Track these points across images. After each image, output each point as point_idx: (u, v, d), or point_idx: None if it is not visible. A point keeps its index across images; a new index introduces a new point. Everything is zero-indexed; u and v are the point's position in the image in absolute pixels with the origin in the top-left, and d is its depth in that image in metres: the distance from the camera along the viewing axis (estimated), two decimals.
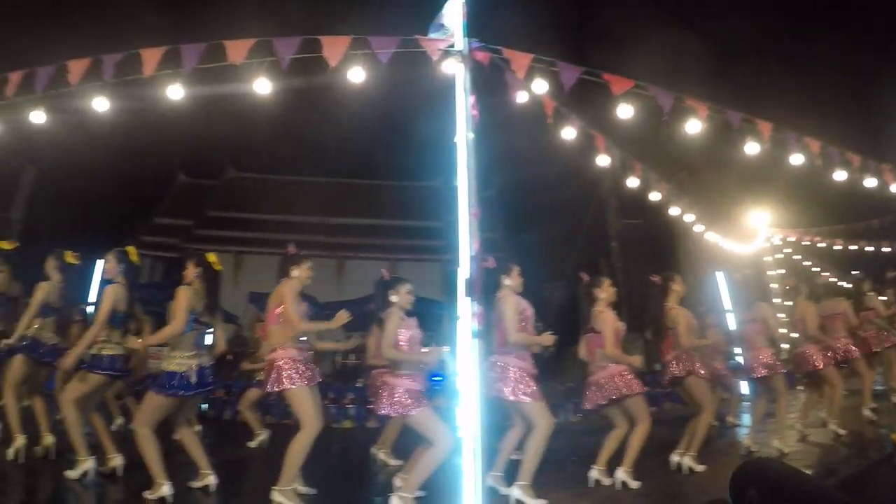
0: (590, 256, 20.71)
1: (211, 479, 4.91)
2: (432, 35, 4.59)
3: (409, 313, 4.89)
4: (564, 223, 23.97)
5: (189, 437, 4.99)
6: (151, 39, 5.79)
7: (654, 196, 8.07)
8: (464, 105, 4.36)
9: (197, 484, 4.89)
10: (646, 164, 7.62)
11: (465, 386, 3.88)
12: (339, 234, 23.31)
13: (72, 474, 5.01)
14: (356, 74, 5.19)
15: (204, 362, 4.83)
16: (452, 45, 4.43)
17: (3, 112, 6.56)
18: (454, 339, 4.04)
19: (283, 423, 8.45)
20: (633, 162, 7.36)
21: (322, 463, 4.85)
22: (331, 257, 22.21)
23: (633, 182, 7.53)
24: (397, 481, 4.83)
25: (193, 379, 4.69)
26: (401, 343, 4.71)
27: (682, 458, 5.83)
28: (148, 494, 4.56)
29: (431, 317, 5.24)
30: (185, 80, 5.74)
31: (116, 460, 5.23)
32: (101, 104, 5.94)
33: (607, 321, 5.51)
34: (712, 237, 10.95)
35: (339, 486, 5.07)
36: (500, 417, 5.32)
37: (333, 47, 4.93)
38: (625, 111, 5.12)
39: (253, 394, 7.71)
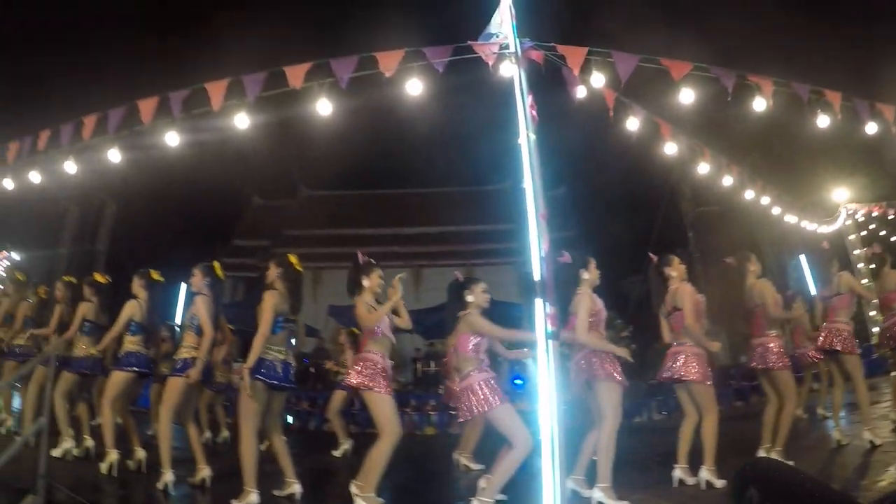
0: (666, 248, 20.22)
1: (296, 488, 5.02)
2: (485, 40, 4.60)
3: (486, 315, 4.86)
4: (638, 216, 23.54)
5: (279, 443, 5.12)
6: (215, 74, 6.03)
7: (727, 181, 7.82)
8: (523, 106, 4.36)
9: (283, 492, 5.00)
10: (715, 148, 7.40)
11: (542, 387, 3.86)
12: (413, 243, 23.57)
13: (160, 485, 5.21)
14: (414, 87, 5.24)
15: (290, 361, 5.02)
16: (506, 47, 4.42)
17: (83, 153, 6.97)
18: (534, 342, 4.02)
19: (366, 433, 8.55)
20: (702, 147, 7.16)
21: (404, 469, 4.89)
22: (407, 267, 22.43)
23: (703, 168, 7.32)
24: (482, 482, 4.83)
25: (280, 371, 4.89)
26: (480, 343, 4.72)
27: (769, 455, 5.50)
28: (236, 502, 4.68)
29: (509, 320, 5.20)
30: (252, 108, 5.95)
31: (205, 472, 5.41)
32: (172, 139, 6.22)
33: (685, 294, 5.31)
34: (791, 219, 10.50)
35: (421, 493, 5.11)
36: (580, 419, 5.25)
37: (389, 61, 5.01)
38: (687, 96, 4.98)
39: (338, 399, 7.92)
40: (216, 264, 5.73)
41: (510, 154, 4.36)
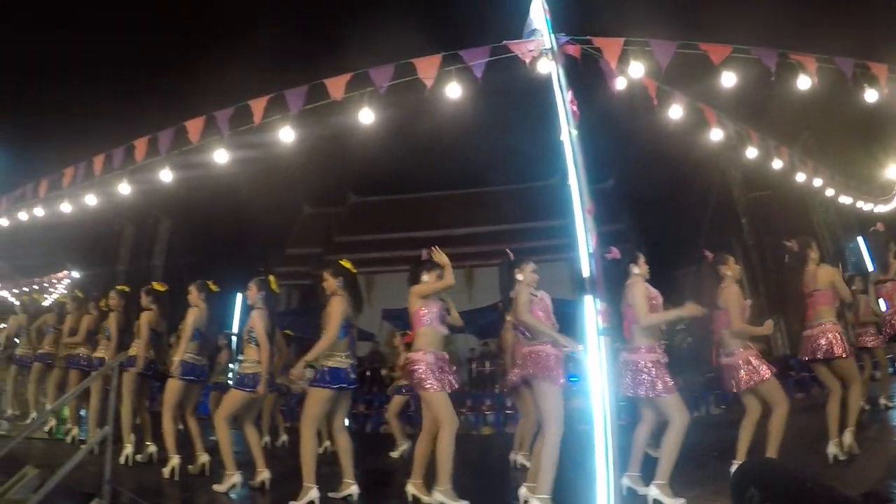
0: (720, 237, 19.80)
1: (353, 489, 5.08)
2: (523, 39, 4.61)
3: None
4: (689, 205, 23.07)
5: (344, 443, 5.20)
6: (257, 90, 6.18)
7: (777, 164, 7.62)
8: (563, 102, 4.35)
9: (339, 494, 5.06)
10: (762, 131, 7.23)
11: (594, 384, 3.84)
12: (464, 244, 23.55)
13: (219, 488, 5.37)
14: (453, 90, 5.28)
15: (353, 362, 5.20)
16: (541, 44, 4.42)
17: (136, 173, 7.23)
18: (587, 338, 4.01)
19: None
20: (749, 131, 7.01)
21: (461, 470, 4.88)
22: (459, 267, 22.34)
23: (752, 152, 7.16)
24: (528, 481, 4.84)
25: (344, 375, 5.04)
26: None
27: (838, 447, 5.30)
28: (295, 502, 4.78)
29: (563, 317, 5.19)
30: (296, 121, 6.07)
31: (265, 474, 5.53)
32: (220, 155, 6.40)
33: (731, 296, 5.21)
34: (846, 199, 10.12)
35: (479, 493, 5.10)
36: (629, 414, 5.19)
37: (427, 68, 5.07)
38: (728, 79, 4.89)
39: (397, 402, 8.05)
40: (271, 278, 5.85)
41: (556, 149, 4.37)
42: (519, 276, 4.93)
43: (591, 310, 3.93)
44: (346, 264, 5.35)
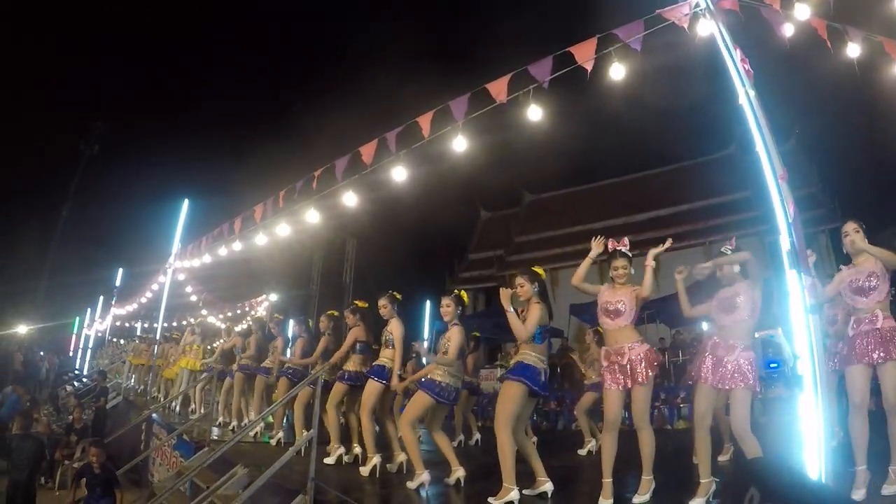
0: None
1: (548, 486, 5.03)
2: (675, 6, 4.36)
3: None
4: (886, 156, 20.44)
5: (527, 445, 5.19)
6: (420, 106, 6.36)
7: None
8: (733, 62, 4.05)
9: (534, 491, 5.02)
10: None
11: (805, 368, 3.52)
12: (646, 229, 22.71)
13: (411, 485, 5.53)
14: (616, 72, 5.11)
15: (547, 370, 5.13)
16: (697, 6, 4.15)
17: (320, 201, 7.74)
18: (787, 319, 3.69)
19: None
20: None
21: (656, 466, 4.66)
22: (642, 254, 21.54)
23: None
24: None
25: (542, 379, 5.00)
26: None
27: None
28: (494, 501, 4.77)
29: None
30: (464, 130, 6.18)
31: (460, 472, 5.61)
32: (398, 173, 6.68)
33: None
34: None
35: (674, 490, 4.83)
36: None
37: (584, 53, 4.95)
38: None
39: (587, 399, 7.90)
40: (463, 294, 6.10)
41: (728, 117, 4.08)
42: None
43: (796, 285, 3.60)
44: (539, 270, 5.33)
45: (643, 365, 4.66)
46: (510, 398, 4.96)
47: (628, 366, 4.69)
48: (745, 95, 3.94)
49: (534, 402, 5.38)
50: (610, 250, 5.08)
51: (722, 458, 6.02)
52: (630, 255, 5.08)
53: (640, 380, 4.62)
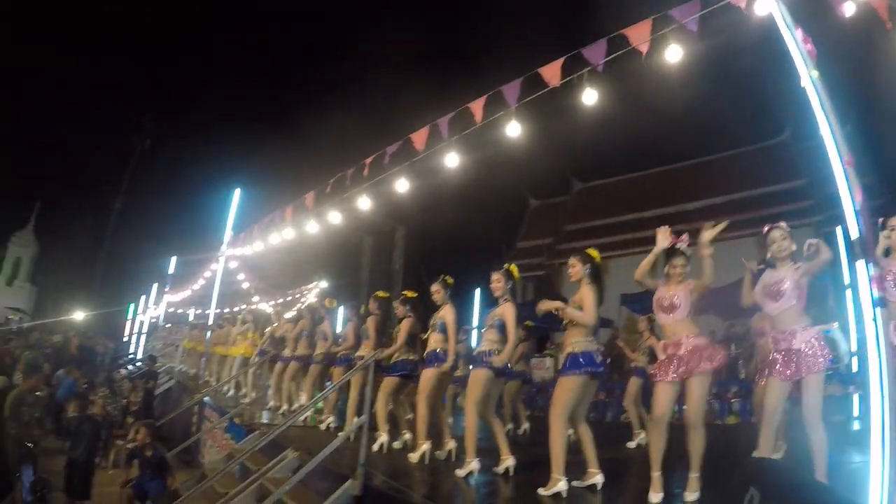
0: None
1: (598, 478, 4.95)
2: None
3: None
4: None
5: (585, 433, 5.10)
6: (474, 92, 6.30)
7: None
8: (794, 42, 3.88)
9: (583, 483, 4.95)
10: None
11: (870, 365, 3.36)
12: (698, 218, 22.14)
13: (460, 472, 5.49)
14: (673, 54, 4.97)
15: (601, 348, 5.12)
16: None
17: (371, 188, 7.75)
18: (843, 313, 3.54)
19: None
20: None
21: (706, 462, 4.52)
22: (694, 244, 21.01)
23: None
24: None
25: (598, 358, 4.95)
26: None
27: None
28: (543, 490, 4.75)
29: (812, 289, 4.64)
30: (515, 115, 6.11)
31: (509, 461, 5.58)
32: (451, 160, 6.64)
33: None
34: None
35: (724, 487, 4.69)
36: None
37: (638, 34, 4.82)
38: None
39: (633, 386, 7.79)
40: (513, 267, 5.97)
41: (782, 103, 3.92)
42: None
43: (864, 276, 3.45)
44: (593, 253, 5.24)
45: (701, 356, 4.51)
46: (568, 389, 4.91)
47: (686, 356, 4.55)
48: (808, 77, 3.78)
49: (595, 386, 5.28)
50: (669, 246, 4.91)
51: (776, 456, 5.85)
52: (688, 253, 4.93)
53: (697, 370, 4.48)
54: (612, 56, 5.16)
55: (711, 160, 25.09)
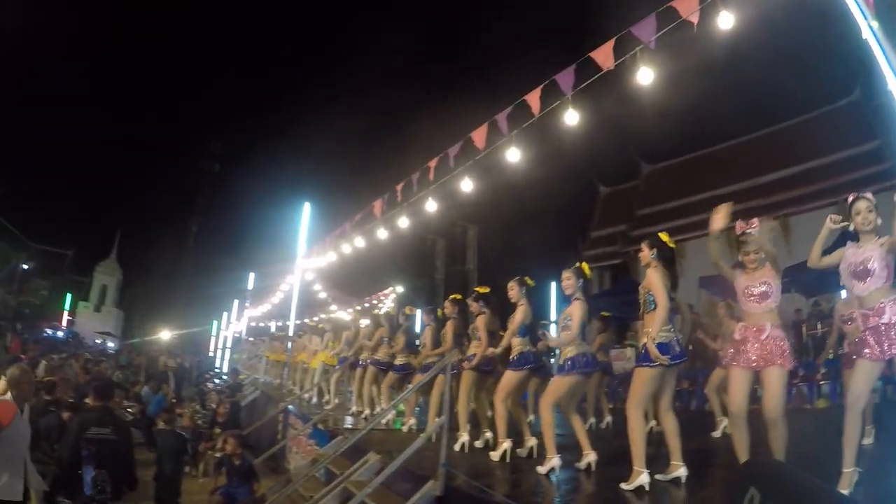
0: None
1: (682, 471, 4.78)
2: None
3: None
4: None
5: (671, 423, 4.92)
6: (527, 85, 6.24)
7: None
8: None
9: (667, 476, 4.80)
10: None
11: None
12: (774, 191, 21.27)
13: (541, 469, 5.43)
14: (725, 21, 4.80)
15: (678, 336, 4.95)
16: None
17: (440, 189, 7.79)
18: None
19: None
20: None
21: (793, 449, 4.26)
22: (773, 218, 20.04)
23: None
24: None
25: (677, 349, 4.82)
26: None
27: None
28: (624, 485, 4.65)
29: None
30: (574, 104, 6.02)
31: (591, 456, 5.50)
32: (513, 155, 6.60)
33: None
34: None
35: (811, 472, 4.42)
36: None
37: (687, 5, 4.68)
38: None
39: (717, 375, 7.54)
40: (584, 265, 5.87)
41: (848, 60, 3.71)
42: None
43: None
44: (664, 237, 5.08)
45: (782, 351, 4.25)
46: (644, 380, 4.79)
47: (767, 343, 4.29)
48: (869, 28, 3.57)
49: (674, 375, 5.12)
50: (738, 232, 4.58)
51: (866, 441, 5.54)
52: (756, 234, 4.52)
53: (777, 361, 4.22)
54: (663, 31, 5.03)
55: (780, 129, 23.91)
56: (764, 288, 4.41)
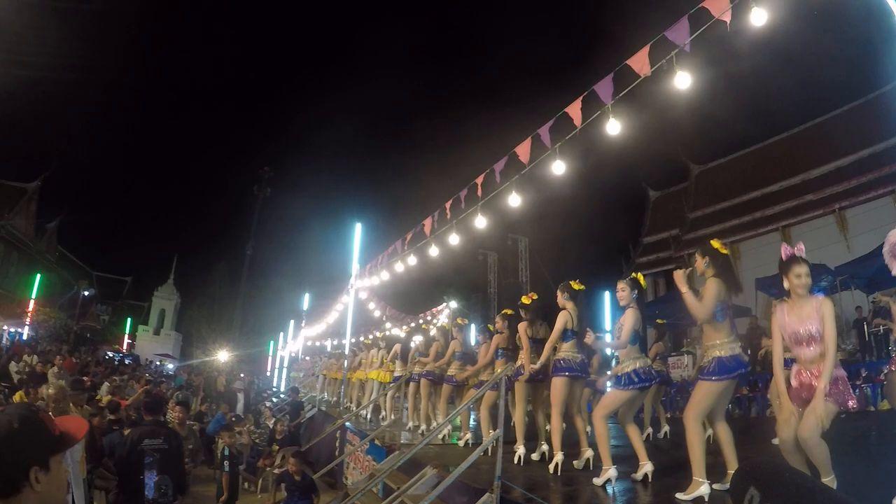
0: None
1: None
2: None
3: None
4: None
5: (724, 433, 4.87)
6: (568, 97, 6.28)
7: None
8: None
9: (726, 485, 4.68)
10: None
11: None
12: (827, 184, 20.60)
13: (597, 481, 5.39)
14: (758, 17, 4.77)
15: (738, 350, 4.76)
16: None
17: (489, 204, 7.88)
18: None
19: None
20: None
21: (853, 453, 4.10)
22: (827, 213, 19.82)
23: None
24: None
25: (745, 358, 4.73)
26: None
27: None
28: (682, 495, 4.57)
29: None
30: (615, 112, 6.04)
31: (648, 467, 5.42)
32: (558, 167, 6.65)
33: None
34: None
35: (877, 481, 4.28)
36: None
37: (719, 5, 4.66)
38: None
39: None
40: (639, 276, 5.87)
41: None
42: None
43: None
44: (716, 244, 4.97)
45: (842, 394, 3.93)
46: (711, 393, 4.66)
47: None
48: None
49: (734, 387, 5.01)
50: (784, 259, 4.29)
51: None
52: (809, 261, 4.24)
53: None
54: (698, 33, 5.01)
55: (829, 119, 23.18)
56: (811, 329, 4.09)
